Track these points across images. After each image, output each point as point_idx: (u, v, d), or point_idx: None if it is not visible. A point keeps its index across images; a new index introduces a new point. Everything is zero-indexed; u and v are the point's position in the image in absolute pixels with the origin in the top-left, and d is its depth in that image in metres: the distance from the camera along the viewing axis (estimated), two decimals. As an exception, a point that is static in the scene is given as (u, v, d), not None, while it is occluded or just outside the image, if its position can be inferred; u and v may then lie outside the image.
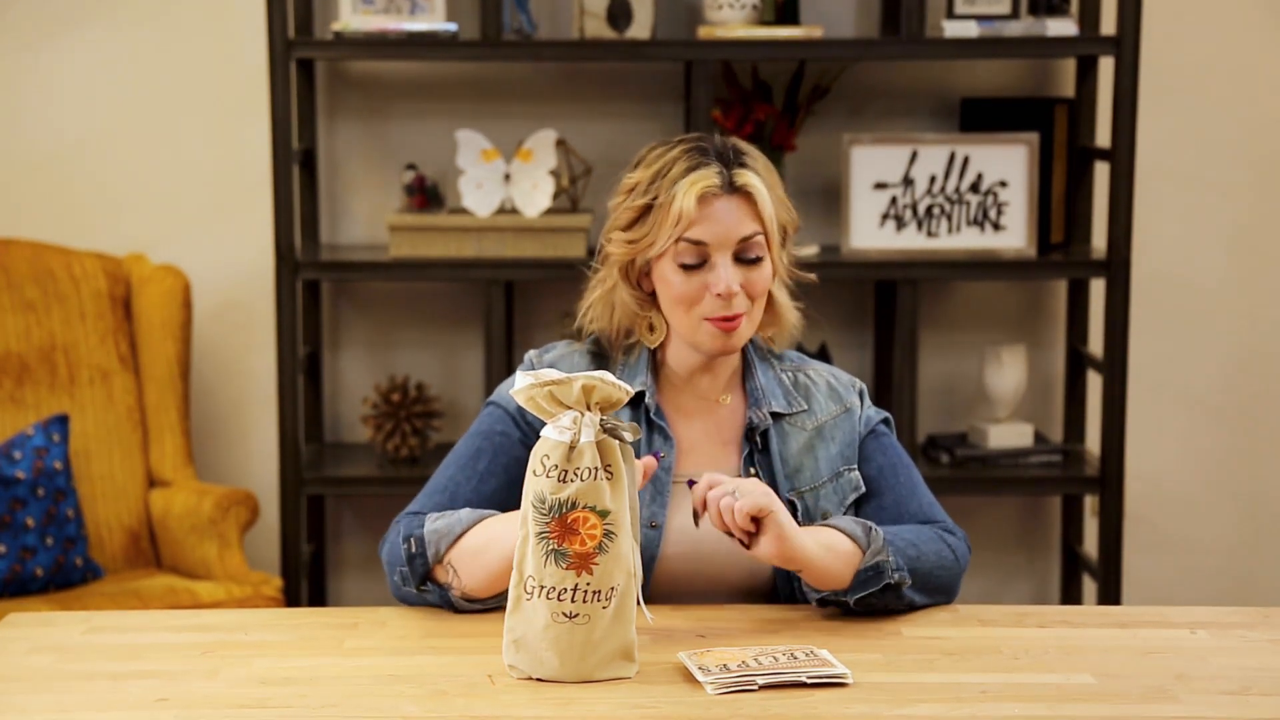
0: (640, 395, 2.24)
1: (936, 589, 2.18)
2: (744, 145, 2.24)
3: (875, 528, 2.13)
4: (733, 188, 2.18)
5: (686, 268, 2.18)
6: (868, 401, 2.33)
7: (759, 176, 2.20)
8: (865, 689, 1.90)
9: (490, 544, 2.08)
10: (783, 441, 2.26)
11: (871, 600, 2.12)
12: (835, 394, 2.31)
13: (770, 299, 2.26)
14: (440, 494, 2.22)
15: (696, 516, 2.07)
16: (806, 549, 2.06)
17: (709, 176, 2.17)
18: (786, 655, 1.96)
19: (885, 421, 2.32)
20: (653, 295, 2.25)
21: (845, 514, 2.25)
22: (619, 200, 2.25)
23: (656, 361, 2.28)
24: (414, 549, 2.12)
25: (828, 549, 2.09)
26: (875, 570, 2.11)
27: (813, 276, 2.33)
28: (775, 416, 2.27)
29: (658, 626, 2.06)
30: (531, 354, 2.31)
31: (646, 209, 2.20)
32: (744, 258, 2.19)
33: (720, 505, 2.03)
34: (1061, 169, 3.76)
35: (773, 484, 2.23)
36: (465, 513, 2.13)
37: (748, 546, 2.05)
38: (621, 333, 2.28)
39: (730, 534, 2.06)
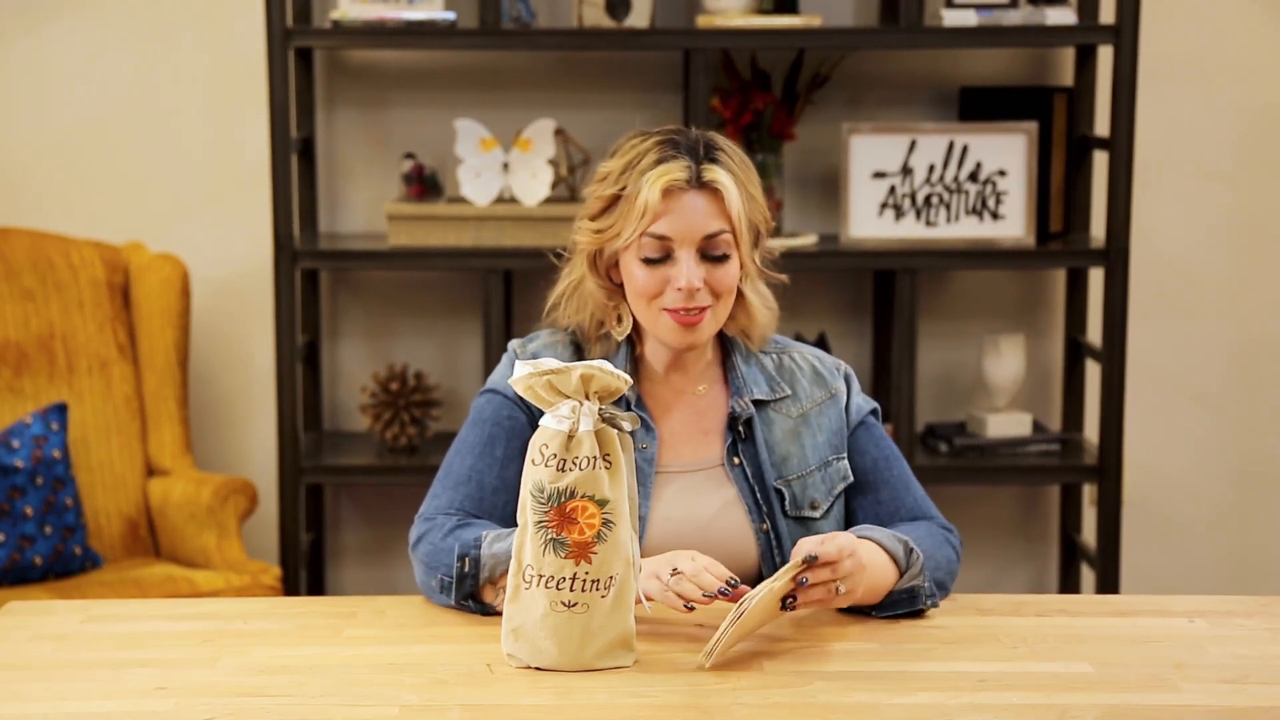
0: None
1: (943, 591, 2.19)
2: (720, 140, 2.21)
3: (916, 549, 2.12)
4: (700, 183, 2.15)
5: (650, 262, 2.16)
6: (855, 387, 2.32)
7: (730, 174, 2.16)
8: (864, 678, 1.90)
9: None
10: (768, 429, 2.25)
11: (895, 615, 2.13)
12: (820, 379, 2.29)
13: (741, 296, 2.23)
14: (466, 484, 2.20)
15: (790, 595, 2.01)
16: (859, 589, 2.05)
17: (676, 170, 2.15)
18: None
19: (874, 412, 2.32)
20: (621, 287, 2.23)
21: (833, 502, 2.25)
22: (591, 189, 2.23)
23: (635, 353, 2.27)
24: (467, 568, 2.09)
25: (871, 588, 2.08)
26: (910, 593, 2.12)
27: (784, 277, 2.29)
28: (759, 404, 2.26)
29: (656, 616, 2.06)
30: (515, 343, 2.30)
31: (614, 199, 2.18)
32: (709, 255, 2.16)
33: (823, 592, 1.99)
34: (1060, 158, 3.76)
35: (759, 473, 2.22)
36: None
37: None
38: (595, 324, 2.27)
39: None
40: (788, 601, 1.97)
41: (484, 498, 2.19)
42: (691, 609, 1.98)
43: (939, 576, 2.16)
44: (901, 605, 2.12)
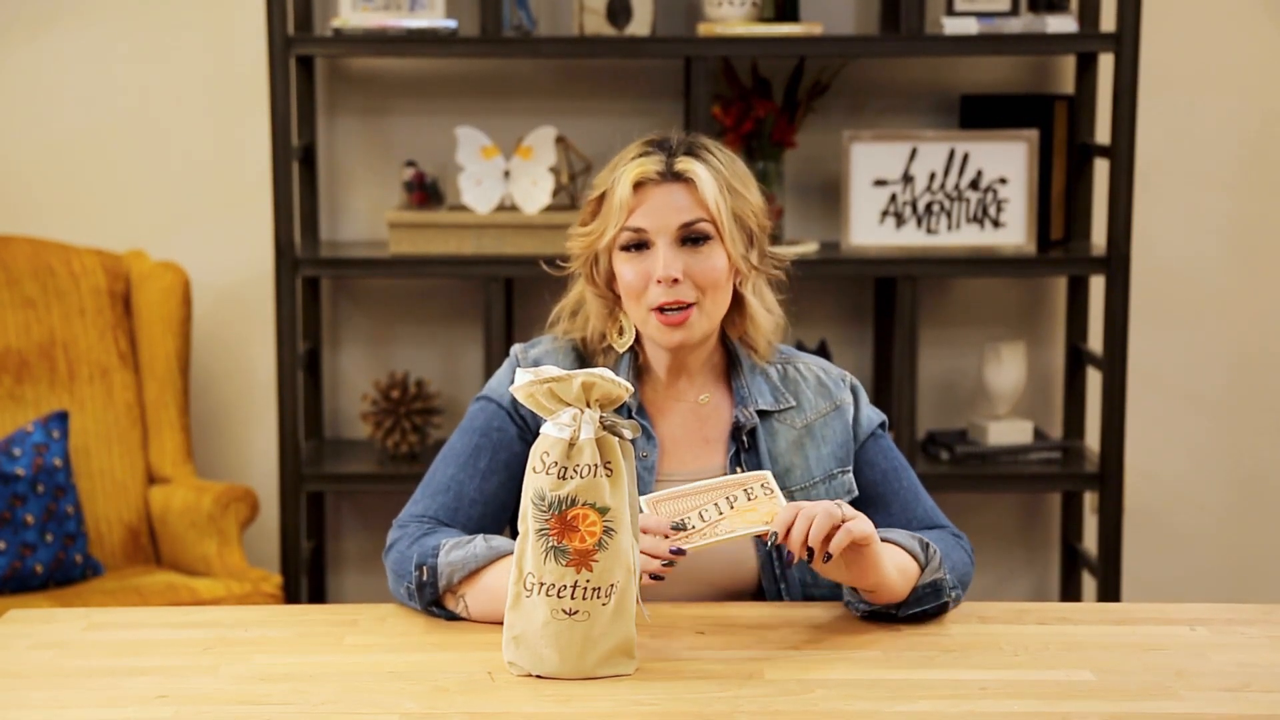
0: None
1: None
2: (706, 141, 2.23)
3: (932, 545, 2.12)
4: (673, 175, 2.18)
5: (629, 252, 2.18)
6: (863, 399, 2.31)
7: (706, 166, 2.18)
8: (865, 685, 1.90)
9: (506, 590, 2.00)
10: (771, 439, 2.25)
11: (920, 613, 2.12)
12: (825, 390, 2.29)
13: (739, 301, 2.24)
14: (444, 493, 2.21)
15: (768, 542, 2.02)
16: (886, 575, 2.04)
17: (649, 164, 2.18)
18: (731, 496, 2.00)
19: (883, 425, 2.31)
20: (620, 298, 2.24)
21: None
22: (585, 199, 2.27)
23: (638, 362, 2.28)
24: (425, 577, 2.10)
25: (898, 570, 2.07)
26: (933, 588, 2.11)
27: (780, 274, 2.29)
28: (763, 414, 2.26)
29: (656, 623, 2.06)
30: (517, 348, 2.31)
31: (599, 202, 2.22)
32: (688, 242, 2.17)
33: (819, 521, 1.97)
34: (1061, 165, 3.76)
35: None
36: (481, 546, 2.09)
37: (811, 559, 2.00)
38: (597, 337, 2.28)
39: (807, 554, 1.99)
40: (786, 554, 2.02)
41: (460, 508, 2.20)
42: (660, 578, 1.98)
43: (959, 576, 2.16)
44: (927, 600, 2.11)
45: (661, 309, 2.17)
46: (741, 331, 2.27)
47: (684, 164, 2.18)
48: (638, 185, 2.17)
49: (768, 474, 2.05)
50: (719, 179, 2.18)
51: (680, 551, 1.98)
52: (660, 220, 2.17)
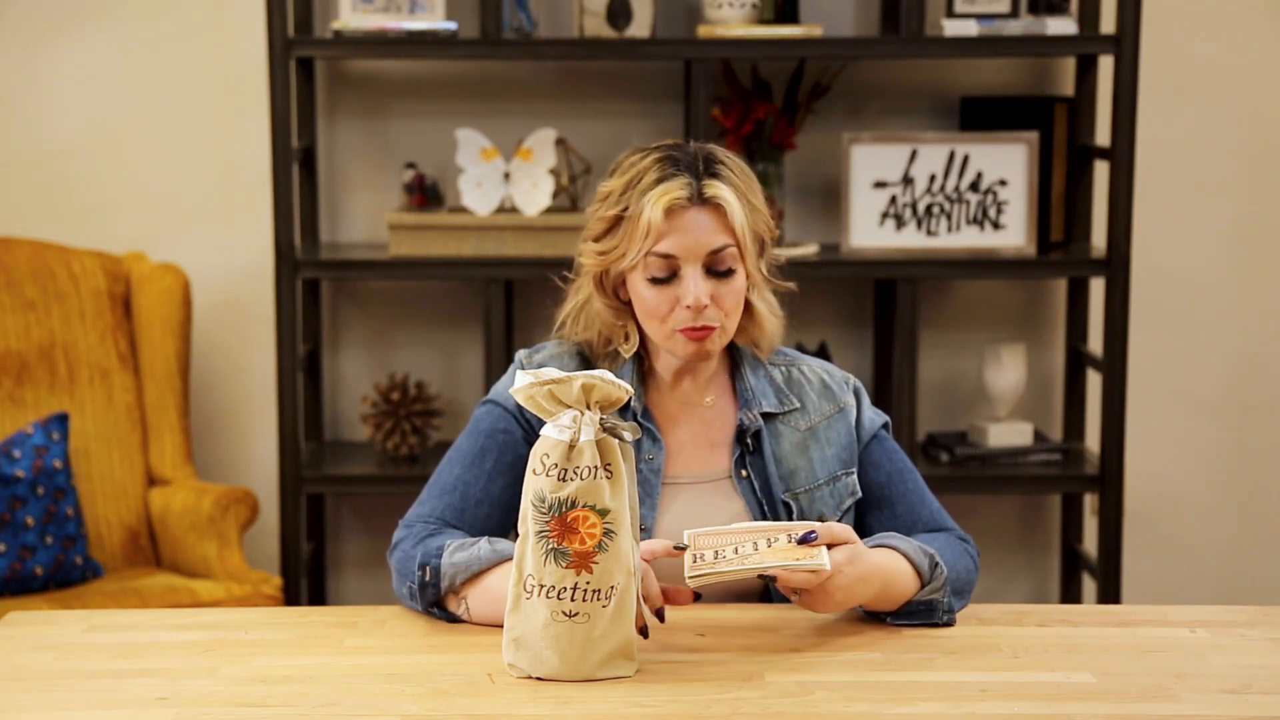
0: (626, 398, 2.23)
1: (961, 600, 2.19)
2: (720, 153, 2.21)
3: (941, 564, 2.11)
4: (702, 199, 2.15)
5: (656, 281, 2.17)
6: (865, 401, 2.31)
7: (731, 187, 2.16)
8: (865, 688, 1.90)
9: (507, 593, 2.00)
10: (776, 442, 2.25)
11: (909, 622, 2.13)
12: (828, 392, 2.29)
13: (749, 307, 2.24)
14: (450, 494, 2.21)
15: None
16: (863, 597, 2.06)
17: (677, 189, 2.15)
18: (772, 538, 2.00)
19: (885, 426, 2.31)
20: (628, 304, 2.23)
21: (841, 517, 2.24)
22: (594, 209, 2.23)
23: (643, 365, 2.28)
24: (428, 577, 2.10)
25: (885, 585, 2.07)
26: (927, 606, 2.11)
27: (791, 285, 2.29)
28: (767, 417, 2.26)
29: (657, 625, 2.06)
30: (521, 353, 2.31)
31: (617, 220, 2.18)
32: (714, 270, 2.16)
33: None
34: (1061, 168, 3.76)
35: (767, 486, 2.22)
36: (485, 549, 2.09)
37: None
38: (603, 341, 2.27)
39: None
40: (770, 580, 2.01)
41: (466, 509, 2.20)
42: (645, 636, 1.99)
43: (958, 587, 2.16)
44: (918, 616, 2.11)
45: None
46: (751, 338, 2.27)
47: (713, 188, 2.15)
48: (667, 211, 2.15)
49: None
50: (742, 201, 2.17)
51: (697, 596, 2.03)
52: (690, 246, 2.15)
